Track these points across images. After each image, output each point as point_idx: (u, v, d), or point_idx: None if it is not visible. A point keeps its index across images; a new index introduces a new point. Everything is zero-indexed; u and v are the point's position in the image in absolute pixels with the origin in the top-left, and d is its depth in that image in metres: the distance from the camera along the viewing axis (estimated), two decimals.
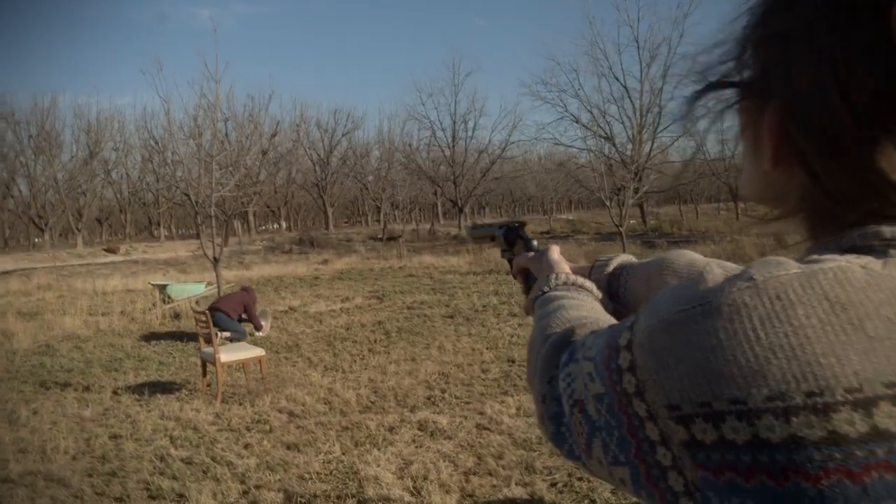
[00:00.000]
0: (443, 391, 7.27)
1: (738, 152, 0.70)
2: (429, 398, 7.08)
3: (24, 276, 25.46)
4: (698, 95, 0.66)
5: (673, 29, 41.06)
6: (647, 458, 0.55)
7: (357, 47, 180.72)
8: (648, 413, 0.54)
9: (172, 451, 5.89)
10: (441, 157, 53.94)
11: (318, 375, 8.28)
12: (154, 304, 15.09)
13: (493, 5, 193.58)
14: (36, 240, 58.41)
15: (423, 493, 4.72)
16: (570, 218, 61.77)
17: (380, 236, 43.69)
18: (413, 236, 43.66)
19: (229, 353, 7.64)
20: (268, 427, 6.42)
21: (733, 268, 0.61)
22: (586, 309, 0.83)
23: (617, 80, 37.90)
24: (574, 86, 40.58)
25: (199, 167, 14.53)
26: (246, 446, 5.94)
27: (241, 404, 7.21)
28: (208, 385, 7.81)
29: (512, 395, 6.82)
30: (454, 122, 53.62)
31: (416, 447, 5.63)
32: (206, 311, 7.96)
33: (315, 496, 4.80)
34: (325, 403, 7.10)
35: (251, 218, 56.99)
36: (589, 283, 0.95)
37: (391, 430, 6.12)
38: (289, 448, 5.83)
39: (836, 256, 0.52)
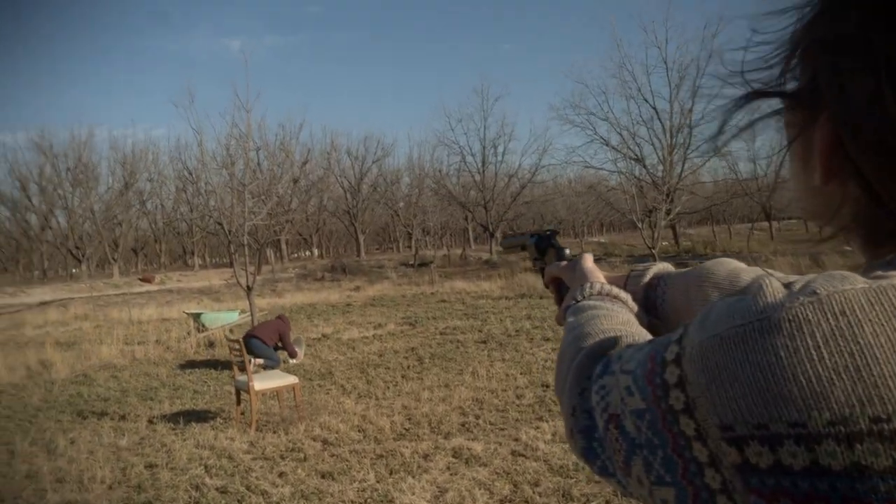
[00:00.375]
0: (477, 417, 7.21)
1: (770, 171, 0.66)
2: (463, 425, 7.02)
3: (61, 306, 25.91)
4: (740, 104, 0.63)
5: (701, 49, 40.85)
6: (694, 480, 0.52)
7: (386, 75, 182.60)
8: (697, 432, 0.51)
9: (207, 480, 5.89)
10: (471, 182, 54.05)
11: (351, 403, 8.26)
12: (188, 333, 15.23)
13: (520, 30, 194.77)
14: (74, 270, 59.54)
15: None
16: (602, 241, 61.50)
17: (411, 262, 43.81)
18: (444, 262, 43.70)
19: (263, 381, 7.65)
20: (302, 455, 6.40)
21: (781, 276, 0.58)
22: (621, 321, 0.80)
23: (646, 101, 37.88)
24: (603, 108, 40.46)
25: (231, 196, 14.72)
26: (280, 475, 5.92)
27: (275, 432, 7.20)
28: (242, 413, 7.83)
29: (547, 421, 6.73)
30: (484, 147, 53.77)
31: (451, 474, 5.57)
32: (240, 340, 7.99)
33: None
34: (359, 431, 7.07)
35: (283, 246, 57.51)
36: (624, 294, 0.93)
37: (426, 457, 6.07)
38: (323, 476, 5.79)
39: None
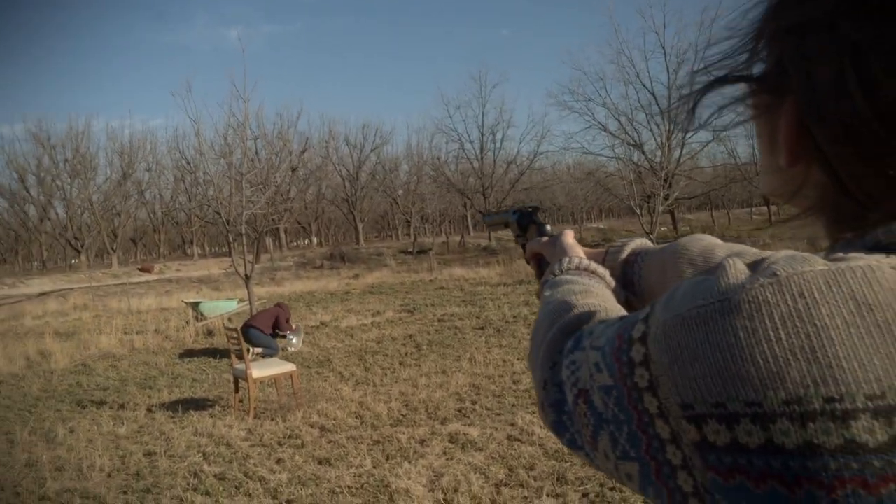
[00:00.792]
0: (474, 403, 7.24)
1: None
2: (460, 410, 7.05)
3: (61, 296, 25.94)
4: (703, 91, 0.63)
5: (699, 34, 40.72)
6: (657, 456, 0.53)
7: (384, 62, 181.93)
8: (660, 410, 0.52)
9: (206, 467, 5.92)
10: (470, 169, 53.97)
11: (349, 390, 8.29)
12: (187, 322, 15.27)
13: (518, 16, 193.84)
14: (73, 261, 59.51)
15: None
16: (601, 227, 61.43)
17: (410, 250, 43.80)
18: (443, 249, 43.70)
19: (261, 369, 7.69)
20: (299, 442, 6.43)
21: (754, 253, 0.58)
22: (596, 296, 0.80)
23: (644, 86, 37.66)
24: (601, 94, 40.21)
25: (229, 185, 14.70)
26: (278, 461, 5.96)
27: (273, 420, 7.24)
28: (240, 401, 7.85)
29: None
30: (482, 134, 53.71)
31: (447, 459, 5.61)
32: (238, 329, 8.01)
33: None
34: (356, 417, 7.10)
35: (282, 234, 57.43)
36: (602, 270, 0.92)
37: (422, 442, 6.11)
38: (320, 463, 5.83)
39: (864, 255, 0.49)
